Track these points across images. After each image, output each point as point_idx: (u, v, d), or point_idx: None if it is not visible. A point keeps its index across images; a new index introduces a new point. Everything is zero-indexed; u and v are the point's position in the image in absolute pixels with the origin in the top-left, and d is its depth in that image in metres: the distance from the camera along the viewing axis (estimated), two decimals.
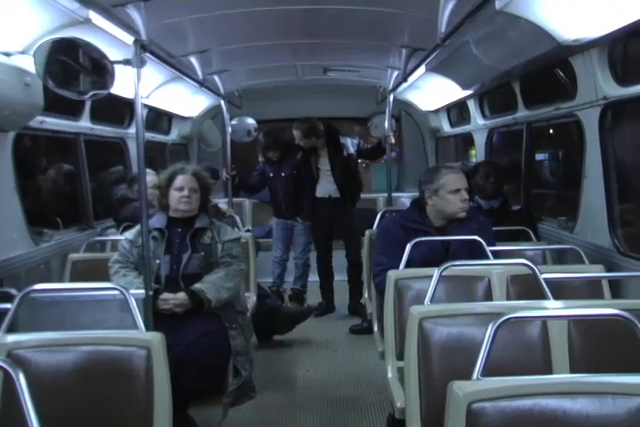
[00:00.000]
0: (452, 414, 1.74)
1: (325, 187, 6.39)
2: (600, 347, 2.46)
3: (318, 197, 6.40)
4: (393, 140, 6.33)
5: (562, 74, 4.42)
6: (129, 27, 3.52)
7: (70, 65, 3.11)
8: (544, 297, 2.74)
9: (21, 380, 1.50)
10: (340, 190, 6.36)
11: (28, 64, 3.22)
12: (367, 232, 4.96)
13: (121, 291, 2.60)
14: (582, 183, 4.14)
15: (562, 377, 2.04)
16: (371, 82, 7.09)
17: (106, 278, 3.68)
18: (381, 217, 5.11)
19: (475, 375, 1.80)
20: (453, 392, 1.74)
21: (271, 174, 6.59)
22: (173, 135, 7.96)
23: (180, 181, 3.79)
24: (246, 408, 3.87)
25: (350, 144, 6.42)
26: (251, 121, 7.45)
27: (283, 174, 6.52)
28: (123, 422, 2.25)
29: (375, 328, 4.09)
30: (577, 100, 4.06)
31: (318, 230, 6.50)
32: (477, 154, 6.63)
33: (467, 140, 7.38)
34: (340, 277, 6.55)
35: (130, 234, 3.82)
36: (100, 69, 3.14)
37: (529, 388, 1.73)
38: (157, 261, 3.63)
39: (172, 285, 3.65)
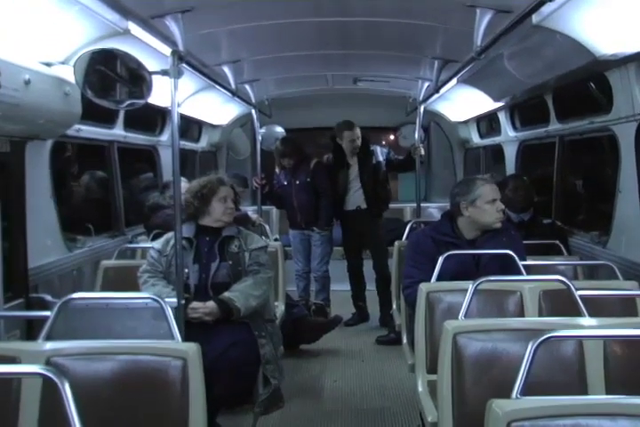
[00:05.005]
0: None
1: (354, 199, 6.28)
2: (636, 366, 2.42)
3: (347, 210, 6.30)
4: (422, 152, 6.25)
5: (597, 88, 4.39)
6: (166, 38, 3.57)
7: (109, 75, 3.15)
8: (577, 313, 2.71)
9: (67, 389, 1.51)
10: (367, 200, 6.23)
11: (68, 74, 3.27)
12: (396, 244, 4.93)
13: (157, 300, 2.62)
14: (616, 197, 4.11)
15: (602, 398, 2.02)
16: (400, 92, 7.09)
17: (137, 285, 3.70)
18: (410, 228, 5.09)
19: (514, 394, 1.79)
20: (493, 411, 1.72)
21: (285, 182, 6.39)
22: (203, 143, 8.02)
23: (223, 191, 3.81)
24: (273, 418, 3.88)
25: (380, 152, 6.33)
26: (279, 129, 7.45)
27: (297, 182, 6.31)
28: None
29: (404, 340, 4.07)
30: (612, 115, 4.03)
31: (348, 241, 6.43)
32: (507, 166, 6.58)
33: (496, 151, 7.34)
34: (369, 287, 6.49)
35: (158, 244, 3.81)
36: (138, 79, 3.17)
37: (569, 408, 1.71)
38: (186, 270, 3.61)
39: (200, 294, 3.65)
